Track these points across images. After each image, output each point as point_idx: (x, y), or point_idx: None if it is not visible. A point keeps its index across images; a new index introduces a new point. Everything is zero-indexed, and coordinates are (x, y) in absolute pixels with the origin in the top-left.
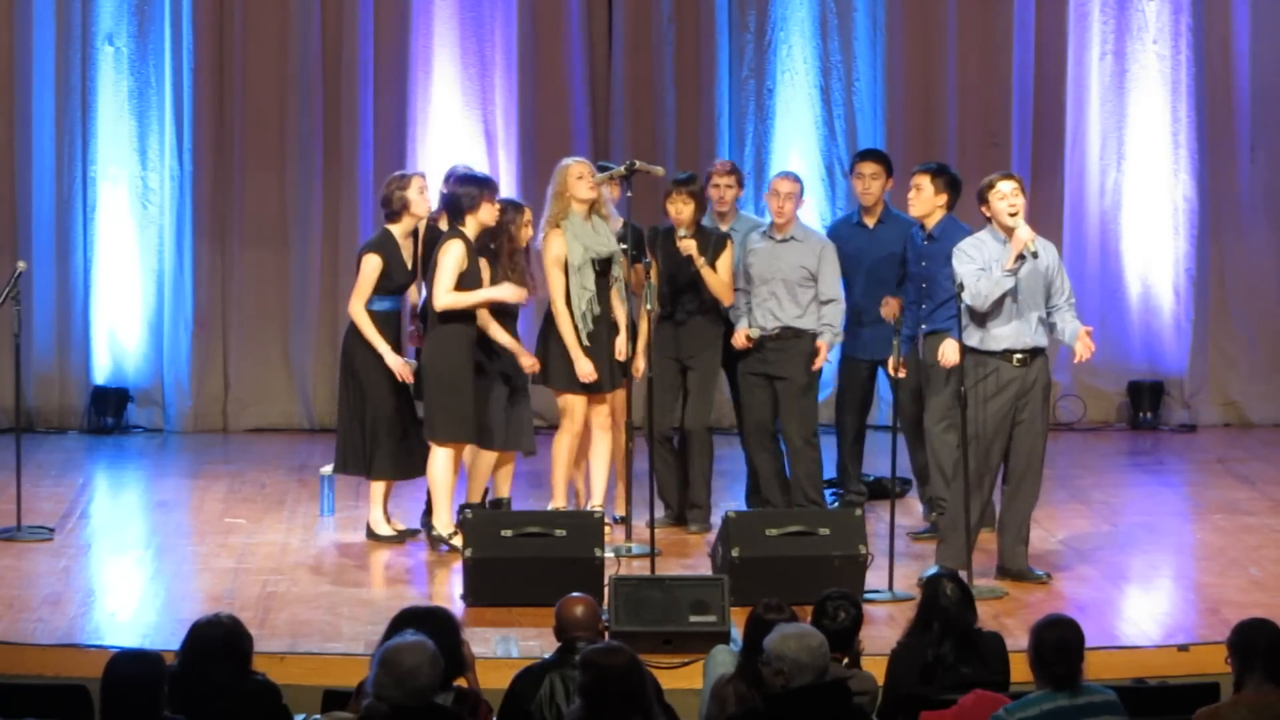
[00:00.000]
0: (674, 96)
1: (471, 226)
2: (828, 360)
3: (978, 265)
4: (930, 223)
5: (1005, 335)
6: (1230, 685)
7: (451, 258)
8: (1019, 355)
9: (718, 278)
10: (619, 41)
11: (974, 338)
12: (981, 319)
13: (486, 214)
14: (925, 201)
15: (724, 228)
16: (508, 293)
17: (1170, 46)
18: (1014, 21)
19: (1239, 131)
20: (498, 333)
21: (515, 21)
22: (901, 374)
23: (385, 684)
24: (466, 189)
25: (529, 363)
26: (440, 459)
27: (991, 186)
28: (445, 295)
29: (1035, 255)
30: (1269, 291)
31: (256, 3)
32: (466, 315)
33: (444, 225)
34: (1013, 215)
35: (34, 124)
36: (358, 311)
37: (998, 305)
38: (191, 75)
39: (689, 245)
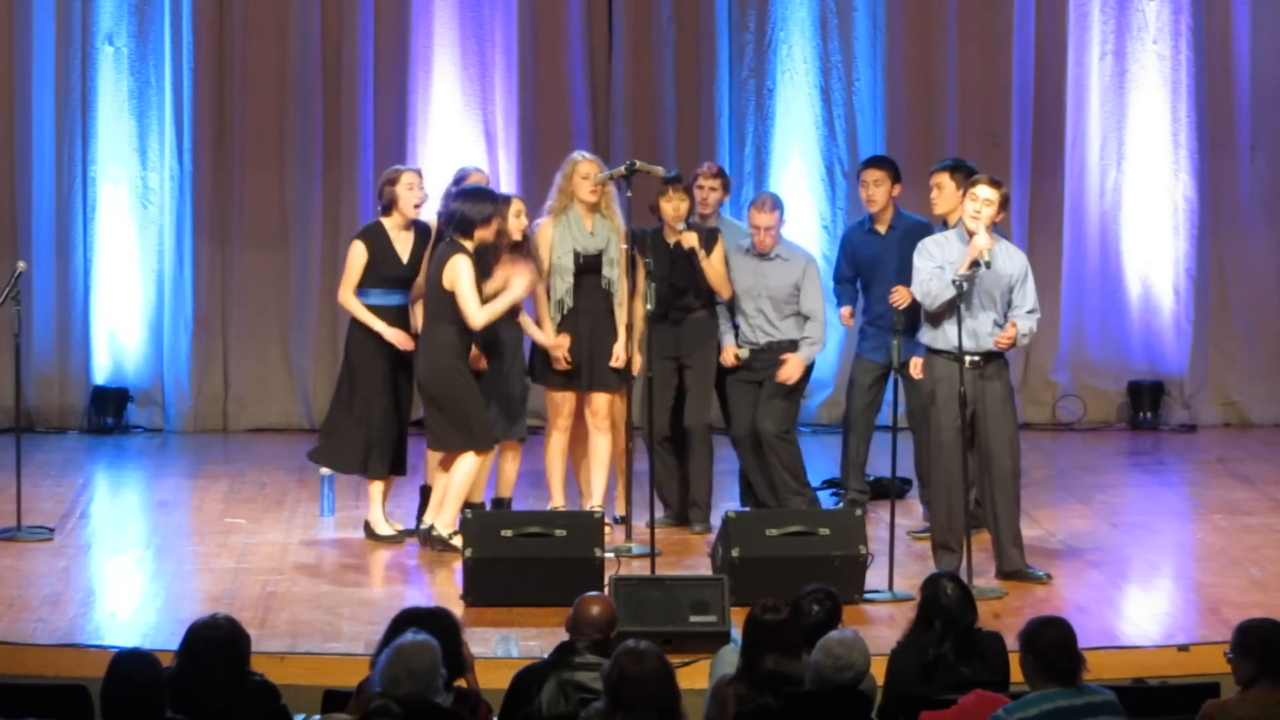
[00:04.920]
0: (674, 96)
1: (475, 240)
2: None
3: (935, 263)
4: (953, 219)
5: (955, 335)
6: (1229, 683)
7: (466, 277)
8: (973, 358)
9: (716, 269)
10: (619, 41)
11: (928, 336)
12: (935, 318)
13: (493, 231)
14: (948, 198)
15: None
16: (522, 285)
17: (1170, 46)
18: (1014, 21)
19: (1239, 131)
20: (497, 312)
21: (515, 21)
22: (919, 374)
23: (400, 679)
24: (480, 207)
25: (559, 356)
26: (466, 463)
27: (973, 185)
28: (479, 313)
29: (988, 265)
30: (1269, 291)
31: (256, 3)
32: (456, 323)
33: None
34: (975, 219)
35: (34, 124)
36: (346, 298)
37: (950, 306)
38: (191, 75)
39: (691, 238)
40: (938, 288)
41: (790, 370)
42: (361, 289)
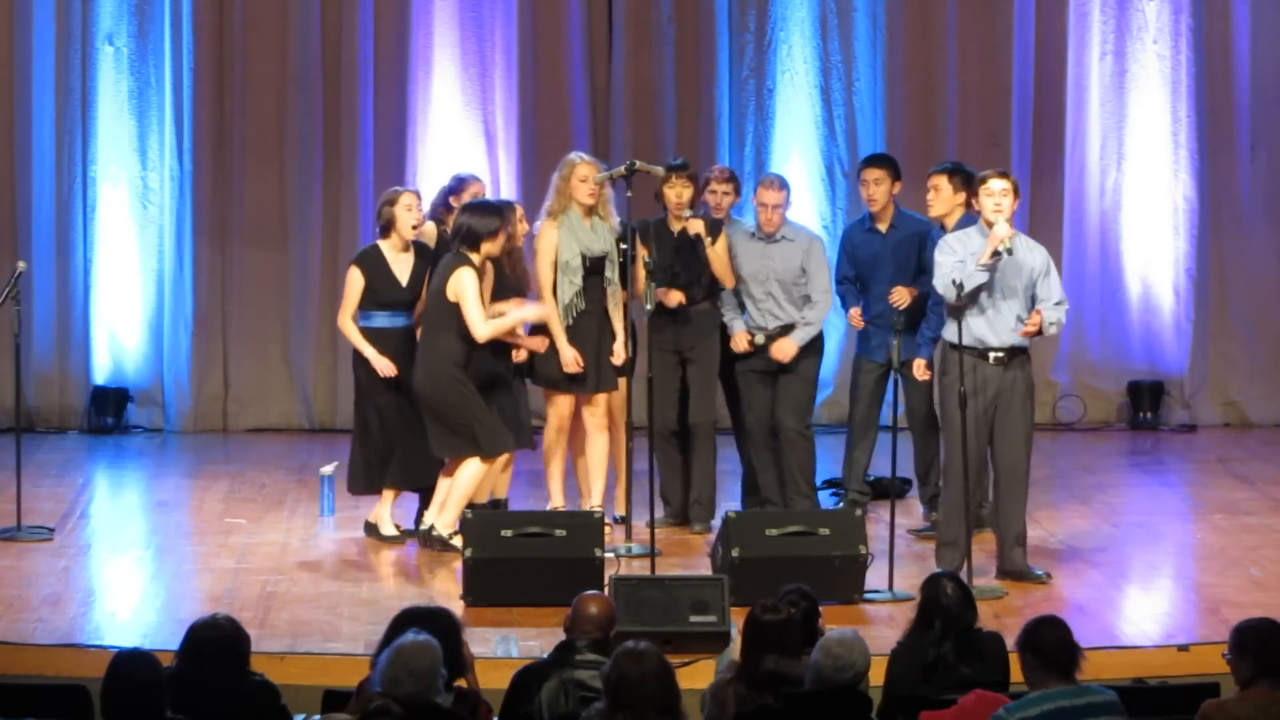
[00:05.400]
0: (674, 96)
1: (481, 254)
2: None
3: (957, 258)
4: (950, 222)
5: (981, 330)
6: (1229, 683)
7: (471, 290)
8: (997, 354)
9: (720, 258)
10: (619, 41)
11: (951, 332)
12: (957, 313)
13: (499, 245)
14: (945, 201)
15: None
16: (532, 312)
17: (1170, 46)
18: (1014, 21)
19: (1239, 131)
20: (502, 328)
21: (515, 21)
22: (926, 375)
23: (400, 679)
24: (487, 220)
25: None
26: (473, 467)
27: (984, 182)
28: (483, 327)
29: (1010, 252)
30: (1269, 291)
31: (256, 3)
32: (457, 333)
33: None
34: (997, 212)
35: (34, 124)
36: (343, 324)
37: (972, 299)
38: (191, 75)
39: (696, 224)
40: (960, 279)
41: (785, 348)
42: (365, 312)
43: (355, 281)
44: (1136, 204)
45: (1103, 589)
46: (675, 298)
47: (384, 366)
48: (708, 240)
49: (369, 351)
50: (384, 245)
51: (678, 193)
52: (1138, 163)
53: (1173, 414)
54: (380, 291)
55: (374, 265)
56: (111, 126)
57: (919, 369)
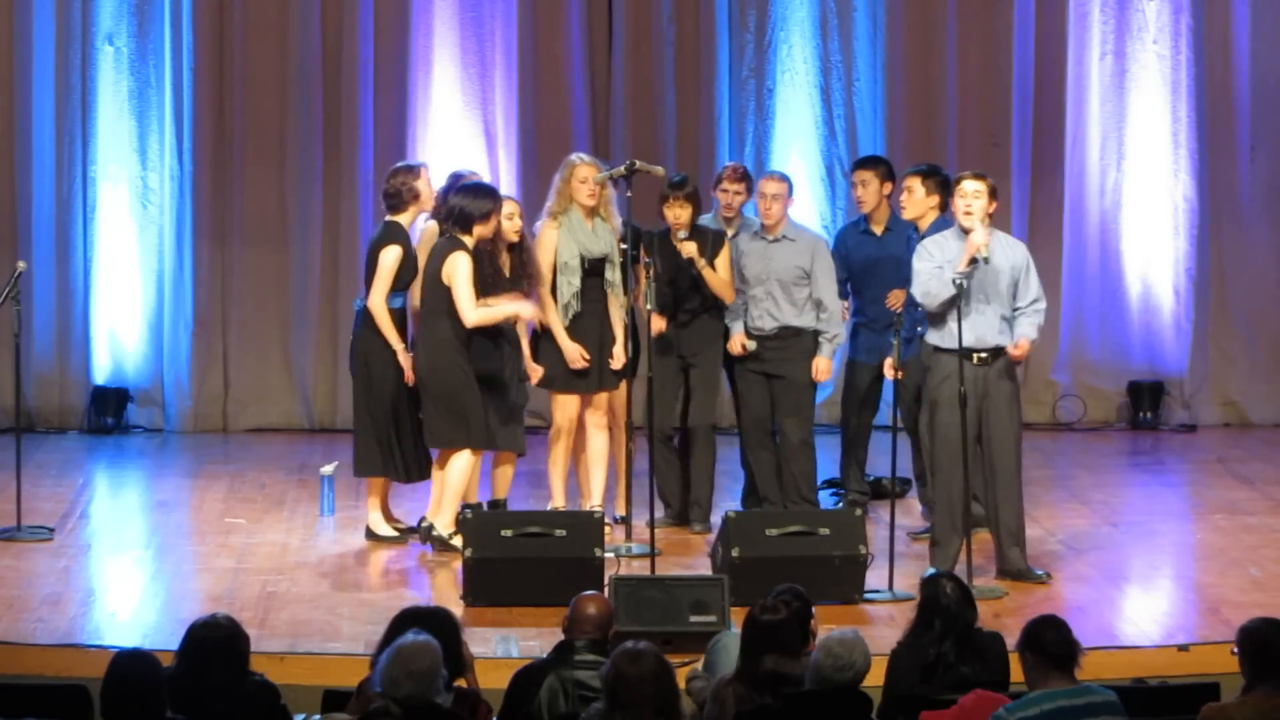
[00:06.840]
0: (674, 96)
1: (475, 236)
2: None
3: (935, 263)
4: (924, 225)
5: (963, 332)
6: (1231, 684)
7: (464, 273)
8: (980, 355)
9: (718, 277)
10: (619, 41)
11: (934, 335)
12: (939, 316)
13: (492, 228)
14: (917, 204)
15: (730, 232)
16: (526, 309)
17: (1170, 46)
18: (1014, 21)
19: (1239, 131)
20: (492, 317)
21: (515, 21)
22: (899, 375)
23: (400, 680)
24: (480, 202)
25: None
26: (461, 461)
27: (958, 183)
28: (473, 312)
29: (986, 261)
30: (1269, 291)
31: (256, 3)
32: (455, 319)
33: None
34: (967, 215)
35: (34, 124)
36: (378, 306)
37: (951, 305)
38: (191, 75)
39: (690, 248)
40: (937, 287)
41: (823, 370)
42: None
43: (397, 260)
44: (1136, 204)
45: (1103, 589)
46: (657, 325)
47: (408, 364)
48: (701, 262)
49: (399, 345)
50: (403, 220)
51: (675, 213)
52: (1138, 163)
53: (1173, 414)
54: (406, 271)
55: (407, 244)
56: (111, 126)
57: (887, 368)
